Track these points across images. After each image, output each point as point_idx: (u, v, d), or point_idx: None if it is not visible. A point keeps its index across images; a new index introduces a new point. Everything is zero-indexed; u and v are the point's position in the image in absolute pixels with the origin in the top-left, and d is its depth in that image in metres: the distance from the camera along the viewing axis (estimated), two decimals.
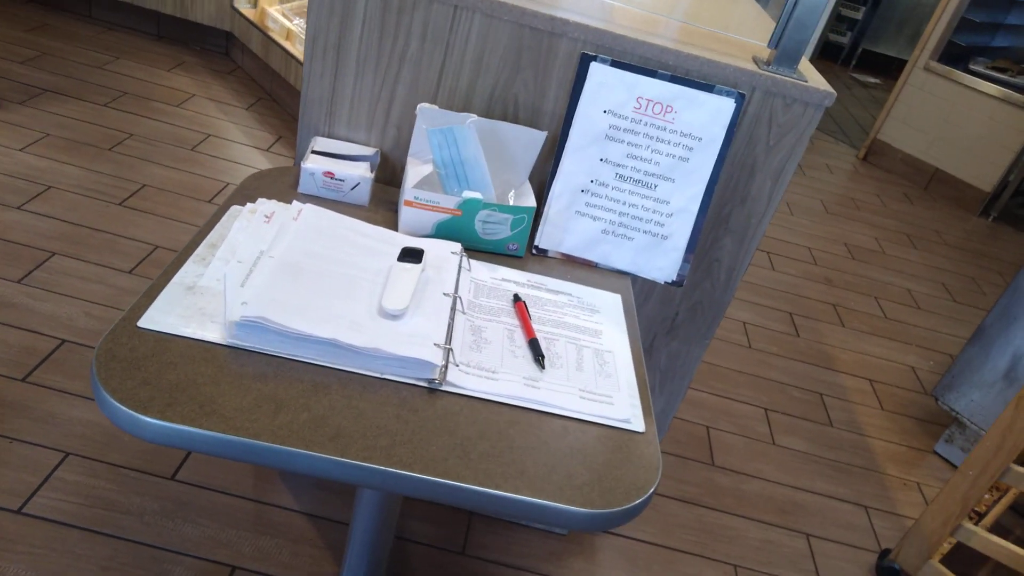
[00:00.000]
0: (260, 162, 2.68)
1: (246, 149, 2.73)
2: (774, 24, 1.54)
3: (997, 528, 1.80)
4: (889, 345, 2.73)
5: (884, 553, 1.77)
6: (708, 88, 1.12)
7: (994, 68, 4.06)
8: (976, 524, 1.64)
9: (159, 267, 2.04)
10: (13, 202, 2.12)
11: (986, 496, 1.72)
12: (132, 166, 2.43)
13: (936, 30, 4.06)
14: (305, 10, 3.20)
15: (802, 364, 2.47)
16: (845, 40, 6.73)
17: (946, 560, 1.66)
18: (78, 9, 3.35)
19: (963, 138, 4.10)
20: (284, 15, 3.10)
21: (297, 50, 2.92)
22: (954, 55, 4.11)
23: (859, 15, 6.57)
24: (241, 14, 3.15)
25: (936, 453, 2.24)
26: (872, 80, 6.62)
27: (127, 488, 1.48)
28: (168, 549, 1.40)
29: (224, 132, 2.80)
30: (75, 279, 1.93)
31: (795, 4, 1.11)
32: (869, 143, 4.49)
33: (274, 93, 3.14)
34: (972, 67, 4.08)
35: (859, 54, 6.81)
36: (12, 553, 1.32)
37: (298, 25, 3.04)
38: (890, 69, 6.93)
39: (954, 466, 2.19)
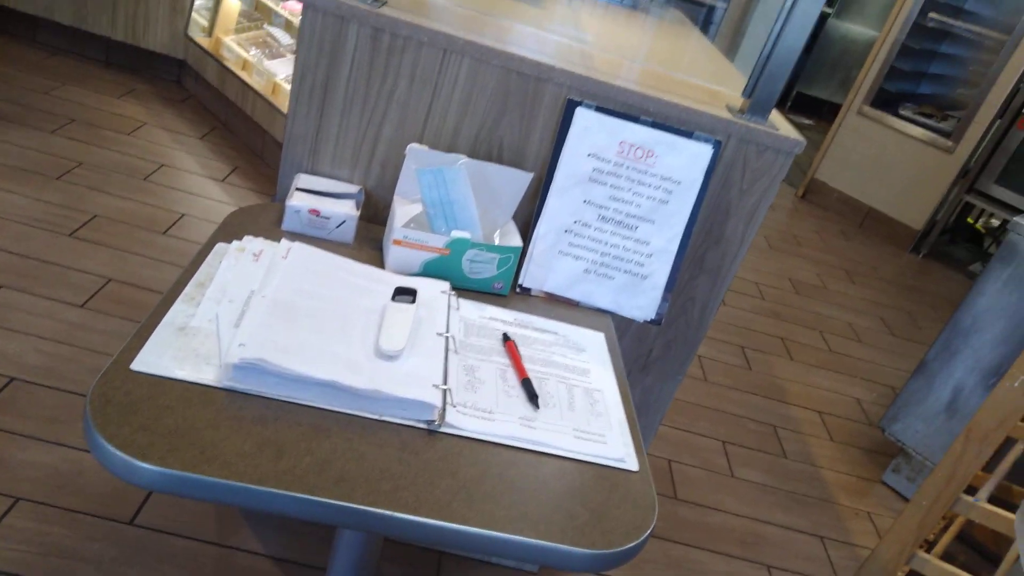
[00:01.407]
0: (216, 193, 2.63)
1: (201, 179, 2.68)
2: (734, 70, 1.62)
3: (946, 556, 1.88)
4: (835, 377, 2.83)
5: None
6: (687, 134, 1.17)
7: (920, 113, 4.32)
8: (928, 552, 1.71)
9: (113, 301, 1.98)
10: None
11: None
12: (82, 196, 2.35)
13: (868, 77, 4.29)
14: (261, 41, 3.18)
15: (755, 397, 2.54)
16: None
17: None
18: (22, 32, 3.25)
19: (894, 179, 4.33)
20: (240, 45, 3.07)
21: (254, 80, 2.90)
22: (885, 100, 4.35)
23: None
24: (195, 43, 3.11)
25: (884, 483, 2.32)
26: (806, 121, 6.94)
27: (83, 534, 1.41)
28: None
29: (177, 162, 2.74)
30: (24, 313, 1.84)
31: (768, 58, 1.17)
32: (807, 182, 4.70)
33: (229, 123, 3.09)
34: (901, 112, 4.32)
35: (793, 96, 7.13)
36: None
37: (255, 55, 3.01)
38: (822, 111, 7.27)
39: (901, 495, 2.28)
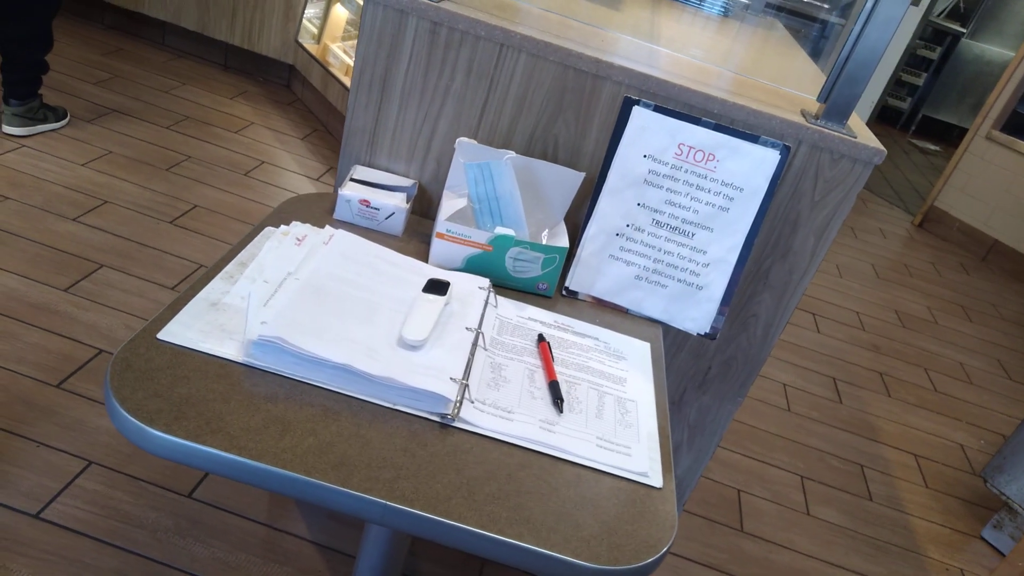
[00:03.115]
0: (308, 190, 2.73)
1: (297, 177, 2.79)
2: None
3: None
4: (937, 419, 2.60)
5: None
6: (752, 138, 1.10)
7: None
8: None
9: None
10: (69, 214, 2.20)
11: None
12: (186, 187, 2.50)
13: (1000, 99, 3.97)
14: None
15: (843, 432, 2.37)
16: (905, 105, 6.64)
17: None
18: (152, 36, 3.51)
19: None
20: (345, 51, 3.19)
21: None
22: (1018, 125, 4.00)
23: (920, 81, 6.48)
24: (304, 49, 3.26)
25: (983, 539, 2.10)
26: (931, 147, 6.49)
27: (144, 502, 1.48)
28: (177, 567, 1.39)
29: (278, 160, 2.87)
30: (119, 291, 1.97)
31: (847, 59, 1.08)
32: (926, 210, 4.38)
33: (329, 125, 3.22)
34: None
35: (918, 120, 6.70)
36: (24, 557, 1.32)
37: None
38: (950, 136, 6.79)
39: (1002, 554, 2.06)
